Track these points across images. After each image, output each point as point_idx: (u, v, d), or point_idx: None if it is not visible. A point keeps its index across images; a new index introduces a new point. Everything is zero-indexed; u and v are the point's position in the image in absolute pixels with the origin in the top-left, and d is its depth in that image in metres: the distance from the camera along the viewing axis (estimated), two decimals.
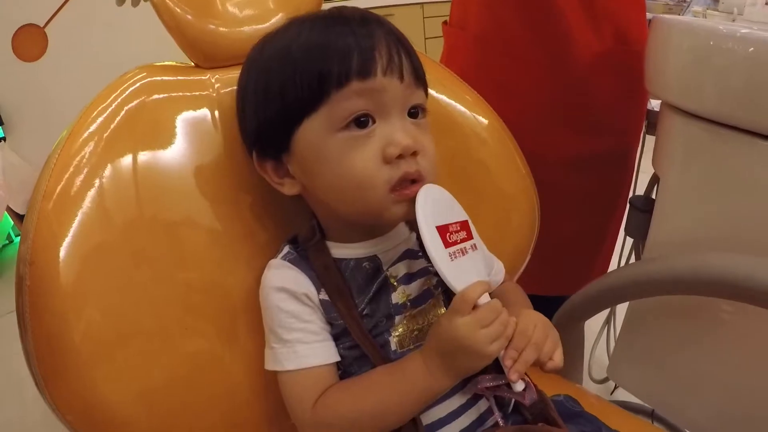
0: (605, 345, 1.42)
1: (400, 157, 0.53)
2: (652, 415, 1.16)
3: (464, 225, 0.56)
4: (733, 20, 3.00)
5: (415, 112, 0.56)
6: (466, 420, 0.58)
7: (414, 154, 0.54)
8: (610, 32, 0.92)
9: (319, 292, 0.58)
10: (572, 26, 0.90)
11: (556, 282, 0.97)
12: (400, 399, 0.54)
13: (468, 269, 0.53)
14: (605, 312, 1.33)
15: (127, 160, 0.62)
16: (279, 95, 0.54)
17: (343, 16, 0.55)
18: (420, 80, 0.57)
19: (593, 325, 1.41)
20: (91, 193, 0.59)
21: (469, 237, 0.56)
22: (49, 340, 0.56)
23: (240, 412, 0.65)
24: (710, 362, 0.89)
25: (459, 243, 0.54)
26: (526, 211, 0.85)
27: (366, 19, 0.55)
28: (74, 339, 0.55)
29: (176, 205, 0.63)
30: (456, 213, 0.56)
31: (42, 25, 2.61)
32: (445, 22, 1.11)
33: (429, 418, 0.57)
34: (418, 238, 0.62)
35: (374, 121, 0.53)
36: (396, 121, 0.54)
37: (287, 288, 0.57)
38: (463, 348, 0.51)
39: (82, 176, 0.59)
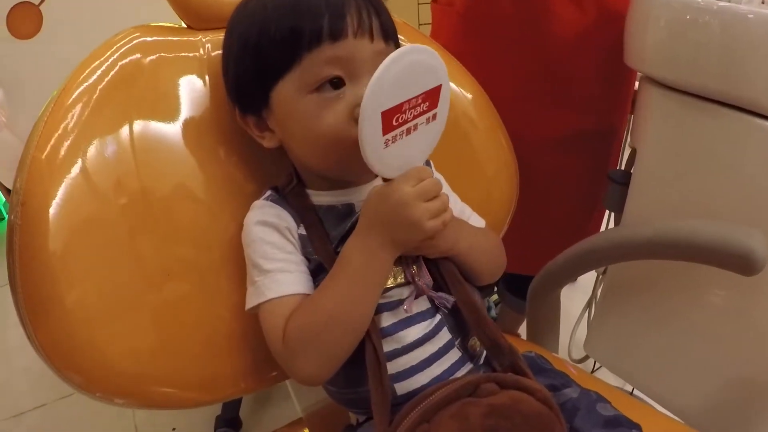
0: (586, 325, 1.43)
1: None
2: (631, 395, 1.17)
3: (430, 94, 0.54)
4: None
5: None
6: (437, 369, 0.60)
7: None
8: (594, 7, 0.92)
9: (298, 227, 0.60)
10: (556, 2, 0.91)
11: (542, 261, 0.98)
12: (347, 289, 0.55)
13: (411, 152, 0.54)
14: (587, 293, 1.35)
15: (119, 117, 0.63)
16: (255, 53, 0.57)
17: None
18: (390, 38, 0.60)
19: (575, 306, 1.43)
20: (82, 151, 0.61)
21: (432, 106, 0.55)
22: (36, 283, 0.57)
23: (220, 363, 0.67)
24: (685, 339, 0.91)
25: (410, 120, 0.52)
26: (506, 183, 0.87)
27: None
28: (60, 282, 0.57)
29: (165, 158, 0.65)
30: (427, 80, 0.53)
31: (37, 3, 2.61)
32: (434, 0, 1.12)
33: (397, 366, 0.59)
34: None
35: (344, 83, 0.56)
36: (365, 81, 0.55)
37: (270, 222, 0.60)
38: (403, 218, 0.53)
39: (74, 134, 0.61)
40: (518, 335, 1.50)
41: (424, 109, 0.53)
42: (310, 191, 0.63)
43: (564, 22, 0.92)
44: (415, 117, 0.53)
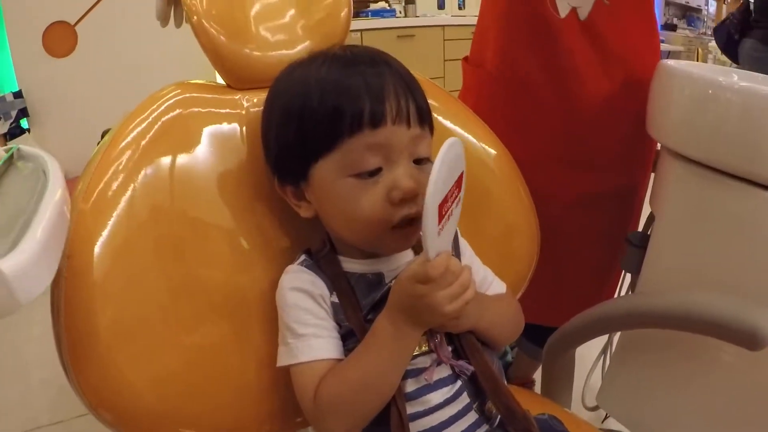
0: (600, 373, 1.45)
1: (402, 199, 0.58)
2: None
3: (460, 179, 0.57)
4: None
5: (420, 160, 0.62)
6: (455, 430, 0.63)
7: (416, 196, 0.59)
8: (621, 76, 0.96)
9: (331, 295, 0.64)
10: (583, 69, 0.94)
11: (560, 313, 1.00)
12: (377, 361, 0.59)
13: (444, 237, 0.57)
14: (603, 340, 1.36)
15: (160, 165, 0.68)
16: (298, 132, 0.61)
17: (355, 57, 0.62)
18: (425, 121, 0.63)
19: (590, 352, 1.44)
20: (126, 196, 0.65)
21: (459, 189, 0.57)
22: (77, 328, 0.61)
23: (247, 408, 0.70)
24: (698, 399, 0.92)
25: (450, 206, 0.56)
26: (527, 239, 0.89)
27: (374, 60, 0.62)
28: (99, 325, 0.61)
29: (203, 207, 0.69)
30: (458, 166, 0.56)
31: (73, 24, 2.70)
32: (465, 58, 1.16)
33: (419, 426, 0.62)
34: None
35: (380, 170, 0.60)
36: (401, 166, 0.60)
37: (305, 288, 0.64)
38: (423, 305, 0.55)
39: (118, 181, 0.65)
40: (533, 381, 1.52)
41: (455, 194, 0.57)
42: (341, 258, 0.66)
43: (592, 88, 0.95)
44: (452, 203, 0.56)
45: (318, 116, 0.59)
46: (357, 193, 0.60)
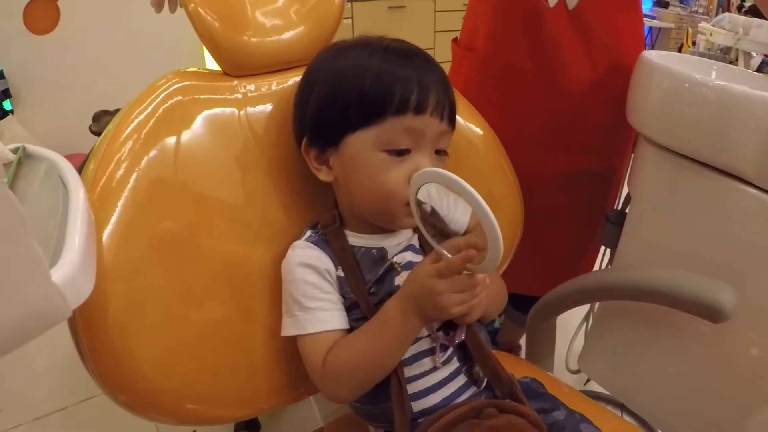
0: (583, 339, 1.53)
1: None
2: (622, 408, 1.26)
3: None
4: (738, 39, 3.09)
5: (439, 151, 0.69)
6: (446, 391, 0.71)
7: None
8: (605, 63, 1.01)
9: (336, 269, 0.70)
10: (569, 57, 0.99)
11: (543, 284, 1.08)
12: (383, 340, 0.65)
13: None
14: (585, 308, 1.44)
15: (163, 149, 0.70)
16: (344, 105, 0.67)
17: (410, 52, 0.69)
18: (453, 120, 0.71)
19: (574, 319, 1.52)
20: (130, 185, 0.67)
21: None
22: (91, 313, 0.62)
23: (256, 381, 0.74)
24: (670, 363, 1.00)
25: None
26: (511, 214, 0.94)
27: (426, 59, 0.69)
28: (110, 306, 0.63)
29: (206, 185, 0.72)
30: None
31: None
32: (455, 39, 1.20)
33: (414, 388, 0.69)
34: (420, 237, 0.75)
35: (410, 151, 0.67)
36: (426, 153, 0.67)
37: (311, 264, 0.69)
38: (433, 302, 0.61)
39: (121, 170, 0.67)
40: (519, 346, 1.61)
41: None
42: (348, 232, 0.73)
43: (576, 76, 1.01)
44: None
45: (369, 96, 0.65)
46: (384, 168, 0.66)
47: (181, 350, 0.68)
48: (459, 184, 0.57)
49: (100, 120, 2.36)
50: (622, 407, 1.26)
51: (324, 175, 0.72)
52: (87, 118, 2.43)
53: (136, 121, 0.70)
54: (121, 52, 2.72)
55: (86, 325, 0.62)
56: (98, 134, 2.19)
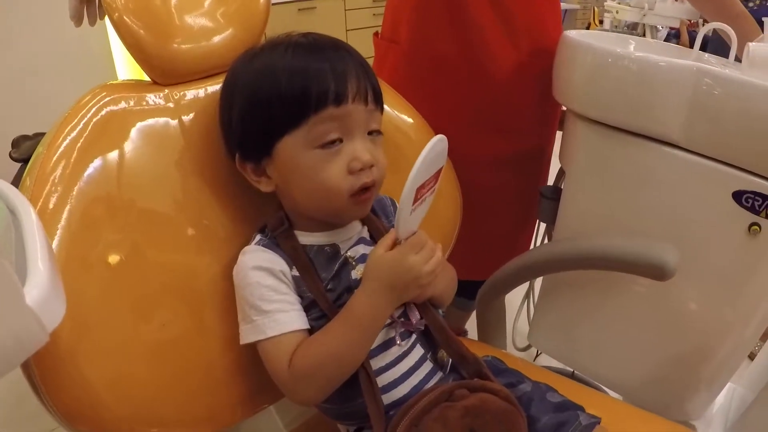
0: (526, 317, 1.58)
1: (360, 169, 0.65)
2: (572, 376, 1.29)
3: (438, 173, 0.65)
4: (644, 15, 3.24)
5: (372, 133, 0.69)
6: (414, 380, 0.71)
7: (371, 166, 0.67)
8: (527, 46, 1.03)
9: (291, 270, 0.69)
10: (492, 41, 1.01)
11: (485, 267, 1.10)
12: (353, 332, 0.65)
13: (415, 218, 0.65)
14: (525, 286, 1.48)
15: (99, 165, 0.67)
16: (265, 109, 0.66)
17: (319, 44, 0.68)
18: (378, 102, 0.71)
19: (515, 298, 1.56)
20: (68, 205, 0.64)
21: (436, 181, 0.66)
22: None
23: (217, 394, 0.72)
24: (616, 328, 1.05)
25: (426, 193, 0.64)
26: (450, 201, 0.95)
27: (338, 47, 0.68)
28: (58, 331, 0.57)
29: (147, 197, 0.70)
30: (440, 161, 0.64)
31: None
32: (376, 33, 1.20)
33: (383, 380, 0.69)
34: (370, 228, 0.75)
35: (341, 141, 0.66)
36: (359, 139, 0.67)
37: (265, 266, 0.68)
38: (403, 270, 0.63)
39: (58, 192, 0.64)
40: (465, 331, 1.63)
41: (432, 185, 0.65)
42: (298, 232, 0.72)
43: (501, 58, 1.03)
44: (428, 191, 0.65)
45: (287, 98, 0.64)
46: (321, 164, 0.66)
47: (136, 371, 0.66)
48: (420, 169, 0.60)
49: (20, 145, 2.24)
50: (572, 376, 1.30)
51: (264, 186, 0.71)
52: (4, 146, 2.31)
53: (69, 138, 0.67)
54: (25, 75, 2.61)
55: (36, 356, 0.58)
56: (20, 161, 2.05)
